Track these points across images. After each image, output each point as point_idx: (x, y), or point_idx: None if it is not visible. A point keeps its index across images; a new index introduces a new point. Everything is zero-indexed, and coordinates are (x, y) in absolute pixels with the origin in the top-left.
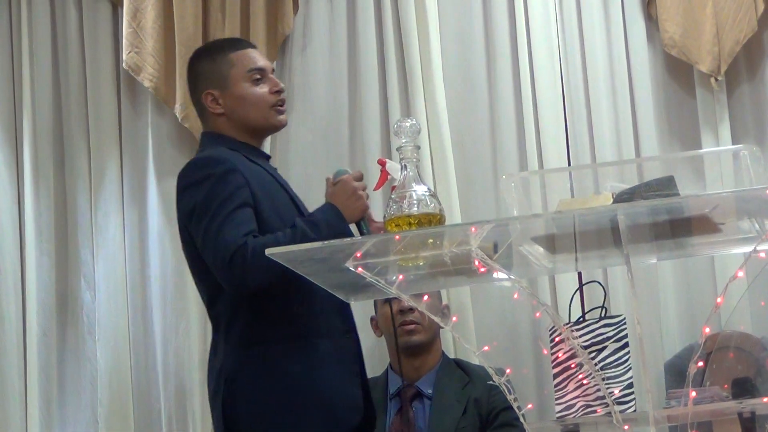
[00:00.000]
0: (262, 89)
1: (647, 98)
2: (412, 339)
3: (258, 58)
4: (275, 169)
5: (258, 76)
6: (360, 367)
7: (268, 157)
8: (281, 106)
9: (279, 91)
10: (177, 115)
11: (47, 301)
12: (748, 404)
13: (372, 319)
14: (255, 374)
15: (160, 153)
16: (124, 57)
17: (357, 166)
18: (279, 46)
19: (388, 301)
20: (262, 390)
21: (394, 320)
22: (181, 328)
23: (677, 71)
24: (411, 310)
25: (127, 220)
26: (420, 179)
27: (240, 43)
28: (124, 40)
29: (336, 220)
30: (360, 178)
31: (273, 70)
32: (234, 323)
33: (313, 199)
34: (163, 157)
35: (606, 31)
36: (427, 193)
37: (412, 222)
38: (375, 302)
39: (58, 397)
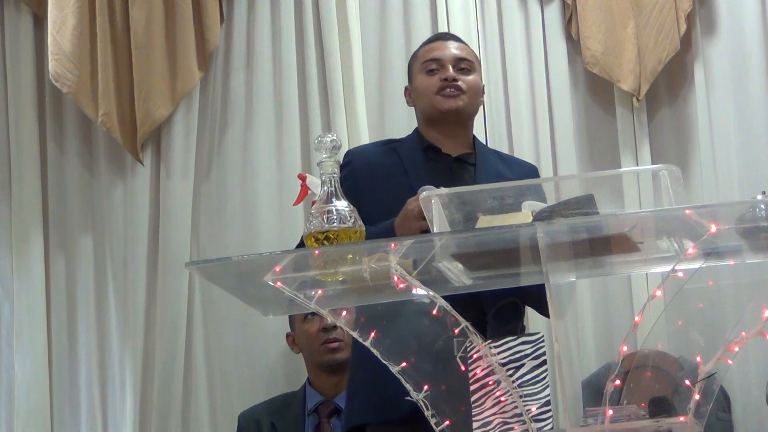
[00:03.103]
0: (432, 78)
1: (567, 117)
2: (336, 357)
3: (437, 48)
4: (453, 159)
5: (433, 67)
6: None
7: (436, 149)
8: (449, 90)
9: (446, 78)
10: (99, 123)
11: None
12: (665, 423)
13: (288, 336)
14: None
15: (85, 166)
16: (49, 66)
17: (278, 180)
18: (208, 57)
19: (308, 317)
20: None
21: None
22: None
23: (598, 91)
24: (334, 327)
25: (51, 231)
26: (340, 195)
27: (431, 38)
28: (48, 50)
29: (385, 235)
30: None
31: (459, 60)
32: None
33: (227, 217)
34: (89, 170)
35: (527, 49)
36: (347, 209)
37: (332, 237)
38: (291, 318)
39: None
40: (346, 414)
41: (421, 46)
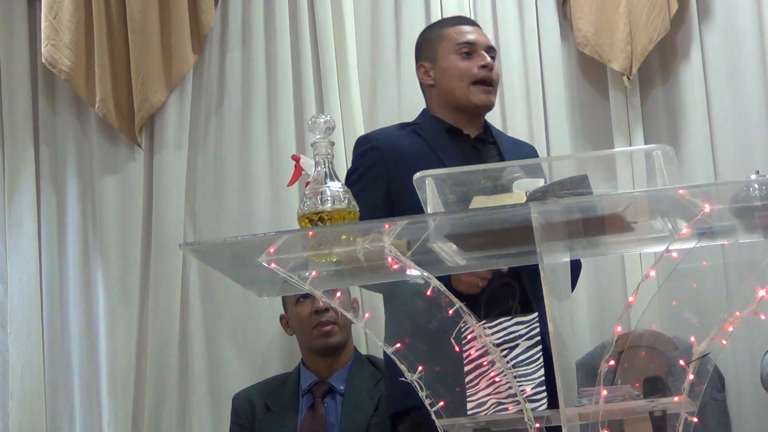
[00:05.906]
0: (468, 63)
1: (560, 98)
2: (329, 341)
3: (470, 32)
4: (476, 144)
5: (466, 50)
6: None
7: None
8: (486, 84)
9: (485, 66)
10: (96, 109)
11: None
12: (660, 403)
13: (282, 317)
14: None
15: (79, 148)
16: (42, 51)
17: (272, 161)
18: (203, 40)
19: (300, 299)
20: None
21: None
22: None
23: (591, 71)
24: (327, 309)
25: (44, 213)
26: (334, 176)
27: (458, 20)
28: (42, 34)
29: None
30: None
31: (489, 48)
32: None
33: (221, 198)
34: (82, 152)
35: (520, 30)
36: (341, 190)
37: (326, 218)
38: (284, 300)
39: None
40: (389, 399)
41: (445, 26)
